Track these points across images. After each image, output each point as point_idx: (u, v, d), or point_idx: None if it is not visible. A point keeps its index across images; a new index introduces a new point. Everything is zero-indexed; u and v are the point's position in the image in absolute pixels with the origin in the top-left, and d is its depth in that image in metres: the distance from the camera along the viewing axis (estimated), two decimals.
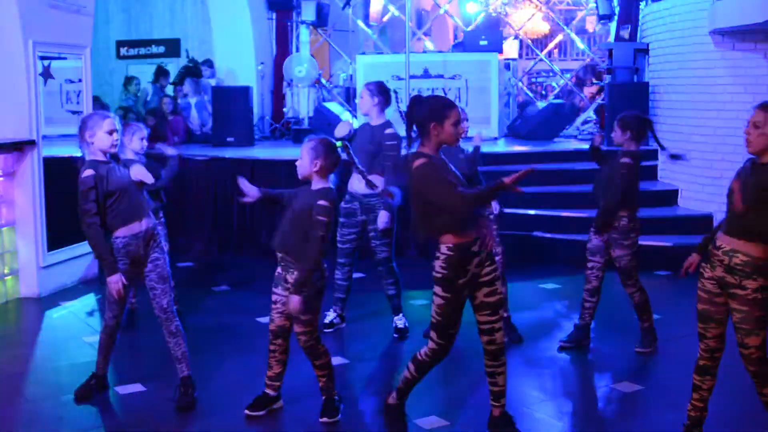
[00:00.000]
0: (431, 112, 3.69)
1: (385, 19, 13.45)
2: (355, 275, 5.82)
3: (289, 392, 4.36)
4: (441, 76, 9.90)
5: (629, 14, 10.57)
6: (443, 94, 9.30)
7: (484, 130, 9.33)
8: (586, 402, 4.63)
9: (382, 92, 5.45)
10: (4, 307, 6.40)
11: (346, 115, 10.81)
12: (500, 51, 10.91)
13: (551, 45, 15.57)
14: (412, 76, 9.32)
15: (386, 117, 5.49)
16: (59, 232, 6.77)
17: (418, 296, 6.36)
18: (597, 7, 11.32)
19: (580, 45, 13.26)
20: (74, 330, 5.83)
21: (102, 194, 4.16)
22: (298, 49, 12.06)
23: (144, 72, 12.57)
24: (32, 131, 6.50)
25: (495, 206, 5.31)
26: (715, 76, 7.92)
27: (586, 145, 9.71)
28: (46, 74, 6.75)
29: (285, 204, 4.13)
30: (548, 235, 7.85)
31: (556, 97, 12.81)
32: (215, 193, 8.40)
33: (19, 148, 6.47)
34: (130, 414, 4.37)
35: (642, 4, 10.20)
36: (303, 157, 3.99)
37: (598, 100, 11.36)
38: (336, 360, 4.91)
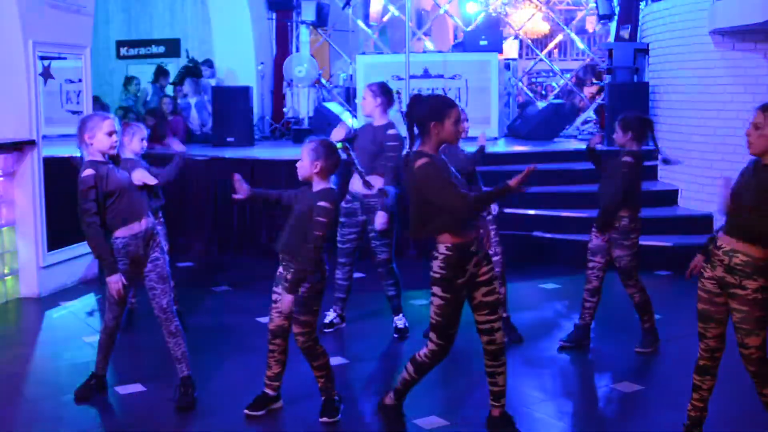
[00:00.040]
0: (431, 110, 3.69)
1: (385, 19, 13.44)
2: (355, 275, 5.82)
3: (289, 392, 4.36)
4: (441, 76, 9.90)
5: (629, 14, 10.57)
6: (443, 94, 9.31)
7: (485, 130, 9.33)
8: (586, 402, 4.63)
9: (384, 93, 5.44)
10: (4, 307, 6.40)
11: (345, 115, 10.81)
12: (500, 51, 10.91)
13: (551, 45, 15.58)
14: (412, 76, 9.31)
15: (389, 118, 5.48)
16: (59, 232, 6.77)
17: (418, 296, 6.36)
18: (597, 7, 11.32)
19: (580, 45, 13.26)
20: (74, 330, 5.83)
21: (102, 194, 4.16)
22: (298, 49, 12.06)
23: (144, 72, 12.57)
24: (32, 131, 6.50)
25: (494, 206, 5.32)
26: (715, 76, 7.92)
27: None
28: (46, 74, 6.75)
29: (284, 205, 4.14)
30: (548, 235, 7.85)
31: (556, 97, 12.81)
32: (215, 193, 8.40)
33: (19, 148, 6.47)
34: (130, 414, 4.37)
35: (642, 4, 10.20)
36: (303, 158, 3.99)
37: (598, 100, 11.36)
38: (336, 360, 4.92)
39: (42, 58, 6.63)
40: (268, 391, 4.26)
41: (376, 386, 4.70)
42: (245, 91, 10.22)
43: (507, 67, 11.42)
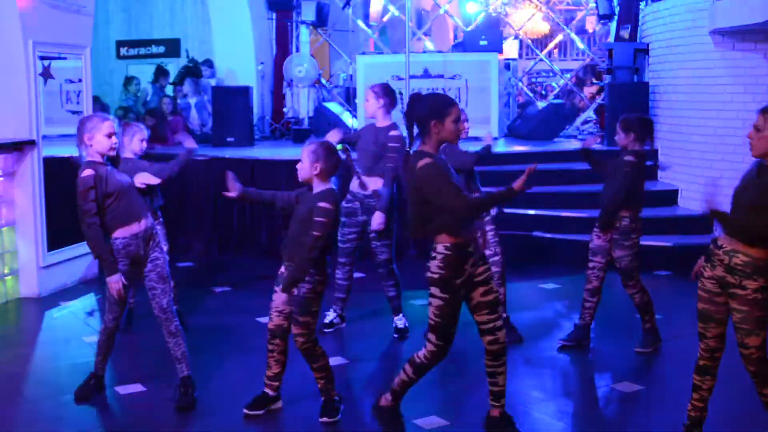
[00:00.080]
0: (431, 109, 3.68)
1: (385, 19, 13.44)
2: (356, 275, 5.82)
3: (289, 392, 4.36)
4: (441, 76, 9.90)
5: (629, 14, 10.57)
6: None
7: (485, 130, 9.33)
8: (586, 402, 4.63)
9: (387, 94, 5.43)
10: (4, 307, 6.40)
11: (346, 115, 10.81)
12: (500, 51, 10.91)
13: (551, 45, 15.57)
14: (412, 76, 9.31)
15: (392, 119, 5.47)
16: (59, 232, 6.77)
17: (418, 296, 6.36)
18: (597, 7, 11.32)
19: (580, 45, 13.26)
20: (74, 330, 5.83)
21: (101, 195, 4.15)
22: (298, 49, 12.06)
23: (144, 72, 12.57)
24: (32, 131, 6.50)
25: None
26: (715, 76, 7.92)
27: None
28: (46, 74, 6.75)
29: (279, 207, 4.15)
30: (548, 235, 7.85)
31: (556, 97, 12.80)
32: (215, 193, 8.39)
33: (19, 148, 6.47)
34: (130, 414, 4.37)
35: (642, 4, 10.20)
36: (303, 160, 4.00)
37: (598, 100, 11.36)
38: (336, 360, 4.92)
39: (42, 58, 6.63)
40: (267, 391, 4.26)
41: (376, 386, 4.70)
42: (245, 91, 10.22)
43: (507, 67, 11.41)
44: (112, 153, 4.28)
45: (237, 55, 11.65)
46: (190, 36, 14.05)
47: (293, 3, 11.88)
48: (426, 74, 9.93)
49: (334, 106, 10.98)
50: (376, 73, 9.66)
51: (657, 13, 9.07)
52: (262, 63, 11.67)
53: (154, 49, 14.36)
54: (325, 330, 5.60)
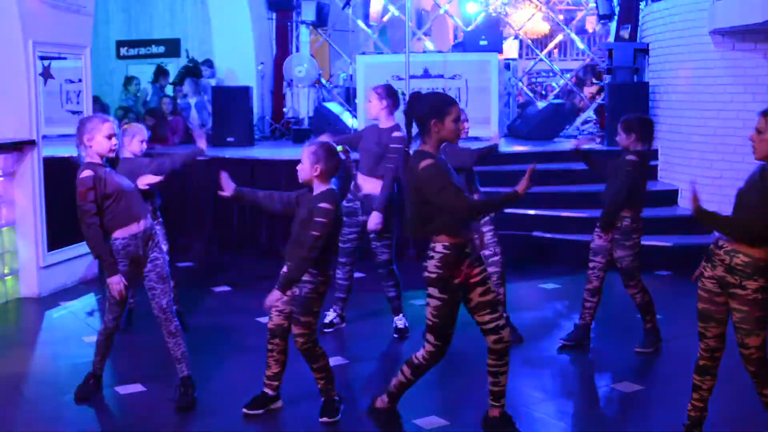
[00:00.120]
0: (431, 108, 3.68)
1: (385, 19, 13.44)
2: (356, 275, 5.82)
3: (289, 392, 4.36)
4: (441, 76, 9.90)
5: (629, 14, 10.56)
6: None
7: (484, 130, 9.34)
8: (586, 402, 4.63)
9: (390, 95, 5.42)
10: (4, 307, 6.40)
11: (346, 115, 10.81)
12: (500, 51, 10.91)
13: (551, 45, 15.57)
14: (412, 76, 9.31)
15: (396, 120, 5.46)
16: (59, 232, 6.77)
17: (418, 296, 6.35)
18: (597, 7, 11.32)
19: (580, 45, 13.26)
20: (74, 330, 5.83)
21: (100, 196, 4.15)
22: (298, 49, 12.06)
23: (144, 72, 12.57)
24: (32, 131, 6.50)
25: None
26: (715, 76, 7.92)
27: (586, 145, 9.75)
28: (46, 74, 6.75)
29: (276, 206, 4.14)
30: (548, 235, 7.85)
31: (556, 97, 12.80)
32: (215, 193, 8.28)
33: (19, 148, 6.47)
34: (130, 414, 4.37)
35: (642, 4, 10.20)
36: (304, 161, 3.99)
37: (598, 100, 11.36)
38: (336, 360, 4.92)
39: (42, 58, 6.63)
40: (267, 390, 4.26)
41: (376, 386, 4.69)
42: (245, 91, 10.22)
43: (507, 67, 11.41)
44: (112, 155, 4.27)
45: (237, 55, 11.65)
46: (190, 36, 14.05)
47: (293, 3, 11.88)
48: (426, 74, 9.93)
49: (334, 106, 10.97)
50: (376, 73, 9.66)
51: (657, 13, 9.07)
52: (262, 63, 11.67)
53: (154, 49, 14.36)
54: (325, 330, 5.60)
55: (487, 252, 5.35)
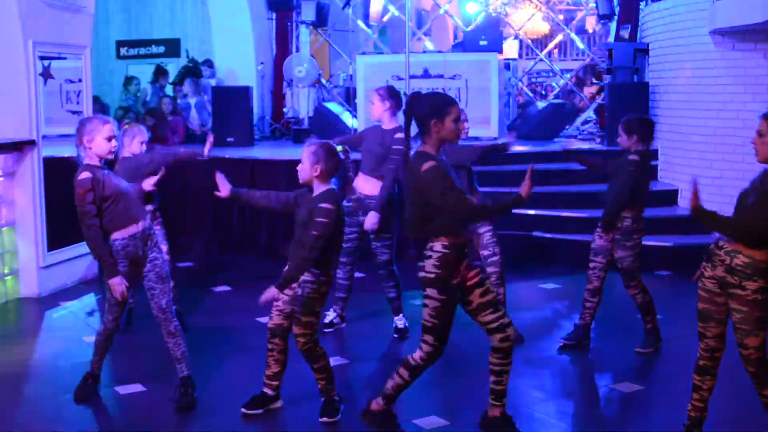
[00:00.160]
0: (431, 108, 3.67)
1: (385, 19, 13.44)
2: (356, 275, 5.82)
3: (289, 392, 4.36)
4: (441, 76, 9.89)
5: (629, 14, 10.57)
6: None
7: (485, 130, 9.34)
8: (586, 402, 4.63)
9: (392, 96, 5.42)
10: (4, 307, 6.40)
11: (345, 116, 10.81)
12: (500, 51, 10.91)
13: (551, 45, 15.57)
14: (412, 76, 9.31)
15: (399, 121, 5.46)
16: (59, 232, 6.77)
17: (418, 296, 6.31)
18: (597, 7, 11.32)
19: (580, 45, 13.26)
20: (74, 330, 5.83)
21: (98, 198, 4.14)
22: (298, 49, 12.06)
23: (144, 72, 12.57)
24: (32, 131, 6.50)
25: None
26: (715, 76, 7.92)
27: (586, 145, 9.78)
28: (46, 74, 6.75)
29: (273, 206, 4.15)
30: (548, 235, 7.85)
31: (556, 97, 12.80)
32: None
33: (19, 148, 6.47)
34: (130, 414, 4.37)
35: (642, 4, 10.20)
36: (304, 161, 3.99)
37: (598, 100, 11.36)
38: (336, 360, 4.92)
39: (42, 58, 6.63)
40: (267, 390, 4.26)
41: (376, 386, 4.68)
42: (245, 91, 10.22)
43: (507, 67, 11.41)
44: (110, 156, 4.27)
45: (237, 55, 11.65)
46: (190, 36, 14.05)
47: (293, 3, 11.88)
48: (426, 74, 9.93)
49: (334, 106, 10.97)
50: (376, 73, 9.66)
51: (657, 13, 9.07)
52: (262, 63, 11.67)
53: (154, 49, 14.36)
54: (325, 330, 5.60)
55: (486, 252, 5.35)
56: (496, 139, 9.93)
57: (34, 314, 6.30)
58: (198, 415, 4.26)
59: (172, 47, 14.12)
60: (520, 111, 11.29)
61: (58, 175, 6.56)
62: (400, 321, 5.60)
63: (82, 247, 6.78)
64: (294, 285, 4.00)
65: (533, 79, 16.23)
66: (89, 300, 6.65)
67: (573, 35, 13.14)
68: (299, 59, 11.36)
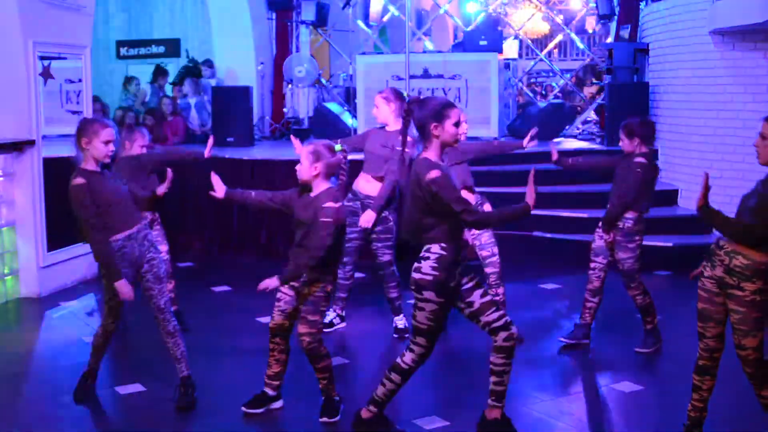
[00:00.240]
0: (431, 112, 3.67)
1: (385, 19, 13.43)
2: (356, 275, 5.82)
3: (289, 392, 4.36)
4: (441, 76, 9.89)
5: (629, 14, 10.56)
6: (443, 95, 9.31)
7: (485, 130, 9.34)
8: (586, 402, 4.63)
9: (397, 98, 5.42)
10: (4, 307, 6.40)
11: (345, 116, 10.81)
12: (500, 51, 10.90)
13: (551, 45, 15.56)
14: (412, 76, 9.31)
15: None
16: (59, 232, 6.77)
17: None
18: (597, 7, 11.32)
19: (580, 45, 13.26)
20: (74, 330, 5.82)
21: (92, 203, 4.11)
22: (298, 49, 12.06)
23: (144, 72, 12.56)
24: (32, 131, 6.50)
25: (488, 206, 5.31)
26: (715, 76, 7.92)
27: (586, 145, 9.78)
28: (46, 74, 6.75)
29: (279, 207, 4.14)
30: (548, 235, 7.85)
31: (556, 97, 12.80)
32: None
33: (19, 148, 6.47)
34: (130, 414, 4.37)
35: (642, 4, 10.20)
36: (303, 161, 4.00)
37: (598, 100, 11.36)
38: (336, 360, 4.91)
39: (42, 58, 6.63)
40: (267, 390, 4.26)
41: (376, 386, 4.69)
42: (245, 91, 10.22)
43: (507, 67, 11.41)
44: (107, 160, 4.24)
45: (237, 55, 11.64)
46: (190, 36, 14.04)
47: (293, 3, 11.88)
48: (426, 74, 9.93)
49: (334, 106, 10.97)
50: (376, 73, 9.66)
51: (657, 13, 9.07)
52: (262, 63, 11.67)
53: (154, 49, 14.35)
54: (325, 330, 5.59)
55: (484, 252, 5.36)
56: (496, 138, 9.94)
57: (34, 314, 6.30)
58: (198, 415, 4.26)
59: (172, 47, 14.11)
60: (520, 111, 11.29)
61: (58, 175, 6.53)
62: (400, 321, 5.60)
63: (82, 247, 6.79)
64: (296, 284, 4.00)
65: (533, 79, 16.23)
66: (89, 300, 6.66)
67: (573, 35, 13.13)
68: (299, 59, 11.36)
